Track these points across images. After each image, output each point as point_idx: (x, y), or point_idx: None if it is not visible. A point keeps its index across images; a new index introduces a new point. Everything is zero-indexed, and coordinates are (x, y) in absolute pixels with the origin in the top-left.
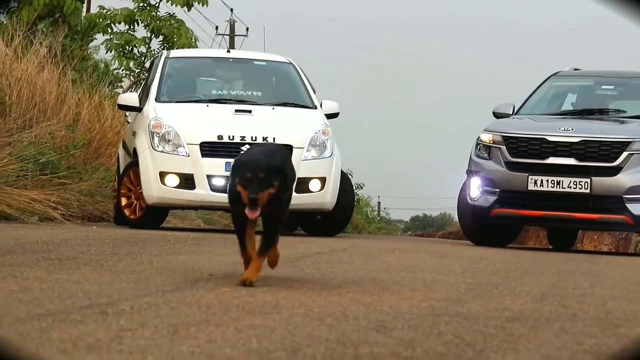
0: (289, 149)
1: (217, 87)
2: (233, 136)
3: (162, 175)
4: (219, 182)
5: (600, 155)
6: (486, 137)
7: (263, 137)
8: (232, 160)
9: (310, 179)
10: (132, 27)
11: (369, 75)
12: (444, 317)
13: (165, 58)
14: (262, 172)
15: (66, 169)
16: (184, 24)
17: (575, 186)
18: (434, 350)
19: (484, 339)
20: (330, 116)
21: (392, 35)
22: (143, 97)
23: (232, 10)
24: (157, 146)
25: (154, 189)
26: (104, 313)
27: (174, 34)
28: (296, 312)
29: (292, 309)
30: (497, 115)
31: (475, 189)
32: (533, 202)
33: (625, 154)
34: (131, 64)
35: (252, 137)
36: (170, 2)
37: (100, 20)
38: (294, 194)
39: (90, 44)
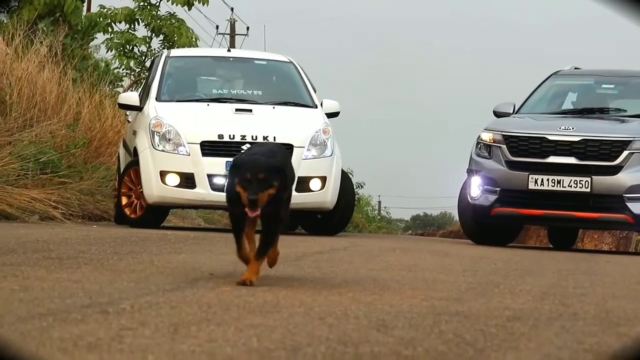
0: (289, 148)
1: (218, 86)
2: (233, 135)
3: (163, 174)
4: (220, 181)
5: (601, 154)
6: (487, 136)
7: (263, 137)
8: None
9: (311, 178)
10: (132, 26)
11: (369, 75)
12: (445, 316)
13: (165, 57)
14: (262, 173)
15: (67, 168)
16: (185, 23)
17: (575, 185)
18: (435, 349)
19: (485, 338)
20: (330, 115)
21: (392, 35)
22: (143, 96)
23: (232, 9)
24: (158, 145)
25: (154, 188)
26: (104, 312)
27: (175, 33)
28: (297, 311)
29: (292, 308)
30: (497, 114)
31: (476, 188)
32: (533, 201)
33: (625, 153)
34: (132, 63)
35: (252, 137)
36: (170, 1)
37: (101, 19)
38: (294, 193)
39: (91, 43)
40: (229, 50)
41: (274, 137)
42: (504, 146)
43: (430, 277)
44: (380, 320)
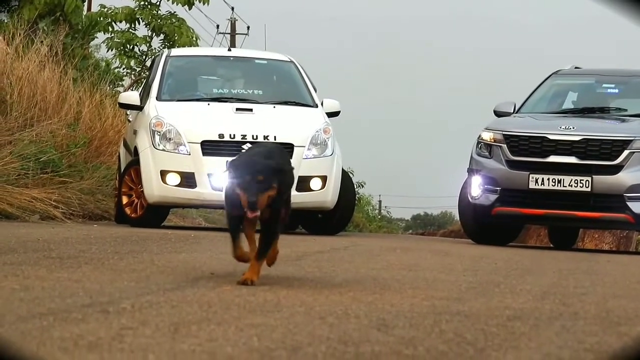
0: (290, 147)
1: (218, 85)
2: (234, 135)
3: (163, 173)
4: (220, 180)
5: (601, 153)
6: (487, 136)
7: (264, 136)
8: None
9: (312, 177)
10: (133, 25)
11: (369, 75)
12: (445, 316)
13: (166, 56)
14: (261, 175)
15: (67, 167)
16: (185, 23)
17: (576, 185)
18: (435, 349)
19: (485, 337)
20: (331, 115)
21: (392, 35)
22: (144, 96)
23: (233, 8)
24: (158, 145)
25: (155, 188)
26: (105, 312)
27: (175, 32)
28: (297, 310)
29: (293, 307)
30: (498, 113)
31: (476, 188)
32: (534, 201)
33: (626, 152)
34: (132, 63)
35: (253, 136)
36: (171, 0)
37: (101, 18)
38: (295, 192)
39: (91, 42)
40: (229, 50)
41: (275, 137)
42: (504, 145)
43: (430, 276)
44: (380, 319)
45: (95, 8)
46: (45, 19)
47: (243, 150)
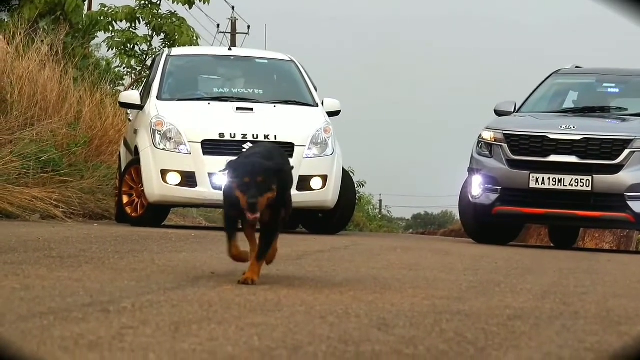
0: (290, 146)
1: (219, 85)
2: (235, 134)
3: (164, 173)
4: (221, 180)
5: (602, 153)
6: (488, 135)
7: (265, 135)
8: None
9: (312, 176)
10: (133, 25)
11: (369, 75)
12: (446, 315)
13: (166, 56)
14: (261, 176)
15: (68, 166)
16: (186, 22)
17: (576, 184)
18: (436, 348)
19: (486, 336)
20: (331, 114)
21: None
22: (144, 95)
23: (233, 8)
24: (159, 144)
25: (155, 187)
26: (105, 311)
27: (176, 31)
28: (298, 310)
29: (293, 307)
30: (498, 113)
31: (477, 187)
32: (535, 200)
33: (626, 151)
34: (132, 62)
35: (253, 135)
36: (171, 0)
37: (102, 18)
38: (295, 192)
39: (92, 42)
40: (230, 49)
41: (275, 136)
42: (505, 145)
43: (431, 276)
44: (381, 319)
45: (95, 7)
46: (46, 18)
47: (243, 150)
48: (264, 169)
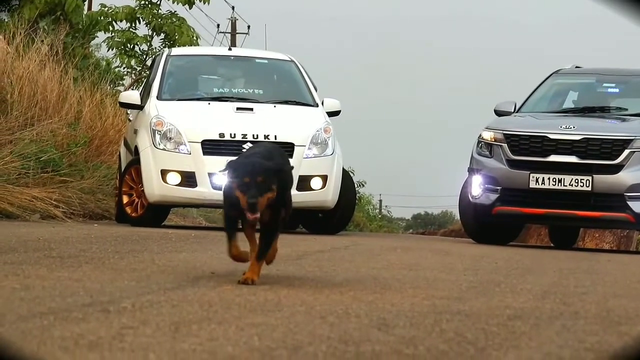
0: (290, 146)
1: (219, 85)
2: (235, 134)
3: (164, 173)
4: (221, 180)
5: (602, 153)
6: (488, 135)
7: (265, 135)
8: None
9: (312, 176)
10: (133, 25)
11: (369, 75)
12: (446, 315)
13: (166, 56)
14: (261, 176)
15: (68, 166)
16: (186, 22)
17: (576, 184)
18: (436, 348)
19: (486, 336)
20: (331, 114)
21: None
22: (144, 95)
23: (233, 8)
24: (159, 144)
25: (155, 187)
26: (105, 311)
27: (176, 31)
28: (298, 310)
29: (293, 307)
30: (498, 113)
31: (477, 187)
32: (535, 200)
33: (626, 151)
34: (133, 62)
35: (253, 135)
36: (171, 0)
37: (102, 18)
38: (295, 192)
39: (92, 42)
40: (230, 49)
41: (275, 136)
42: (505, 145)
43: (431, 276)
44: (381, 319)
45: (95, 7)
46: (46, 18)
47: (243, 150)
48: (264, 169)
